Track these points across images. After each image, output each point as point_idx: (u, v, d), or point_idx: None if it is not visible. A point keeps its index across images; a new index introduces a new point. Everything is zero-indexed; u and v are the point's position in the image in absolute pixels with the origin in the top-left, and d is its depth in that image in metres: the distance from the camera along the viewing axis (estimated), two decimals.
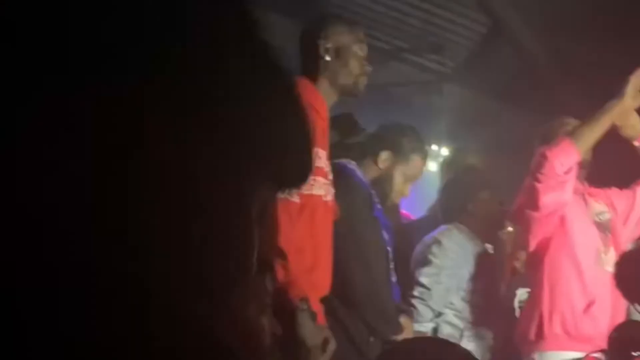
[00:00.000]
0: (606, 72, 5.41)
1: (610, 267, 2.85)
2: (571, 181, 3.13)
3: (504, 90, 5.76)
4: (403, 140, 3.21)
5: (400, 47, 6.09)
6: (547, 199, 3.10)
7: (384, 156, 3.17)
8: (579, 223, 3.24)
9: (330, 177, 2.81)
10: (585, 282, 3.17)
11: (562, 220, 3.22)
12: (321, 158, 2.76)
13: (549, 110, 5.68)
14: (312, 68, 2.76)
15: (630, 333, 2.36)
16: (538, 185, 3.08)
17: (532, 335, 3.15)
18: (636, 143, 3.32)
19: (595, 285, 3.16)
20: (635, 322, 2.43)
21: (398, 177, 3.18)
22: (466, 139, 5.57)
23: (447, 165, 4.15)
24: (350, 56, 2.76)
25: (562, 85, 5.52)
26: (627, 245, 3.40)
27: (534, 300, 3.30)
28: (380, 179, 3.17)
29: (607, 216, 3.36)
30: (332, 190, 2.79)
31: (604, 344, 2.98)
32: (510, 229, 4.29)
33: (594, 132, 3.08)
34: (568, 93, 5.38)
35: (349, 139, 3.55)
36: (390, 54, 6.05)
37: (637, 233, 3.45)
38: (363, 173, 3.17)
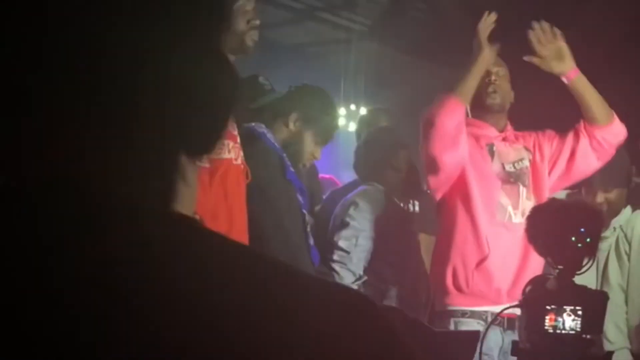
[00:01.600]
0: (523, 26, 5.42)
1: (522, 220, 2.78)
2: (463, 135, 3.08)
3: (420, 46, 5.70)
4: (313, 101, 3.15)
5: (314, 5, 5.96)
6: (446, 159, 3.06)
7: (294, 117, 3.11)
8: (479, 177, 3.15)
9: (239, 140, 2.71)
10: (481, 237, 3.08)
11: (462, 174, 3.14)
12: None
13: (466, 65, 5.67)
14: None
15: (544, 286, 2.32)
16: (434, 149, 3.04)
17: (435, 290, 3.14)
18: (565, 80, 3.21)
19: (495, 240, 3.08)
20: (549, 275, 2.38)
21: (308, 139, 3.13)
22: (384, 98, 5.50)
23: (364, 126, 4.06)
24: (236, 13, 2.64)
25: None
26: (547, 195, 3.28)
27: (434, 254, 3.28)
28: (290, 141, 3.12)
29: (525, 163, 3.23)
30: (241, 154, 2.71)
31: (500, 300, 2.95)
32: None
33: (470, 83, 3.13)
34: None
35: (258, 101, 3.46)
36: (305, 13, 5.93)
37: (562, 186, 3.33)
38: (273, 136, 3.09)
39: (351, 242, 3.26)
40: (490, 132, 3.25)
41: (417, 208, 3.61)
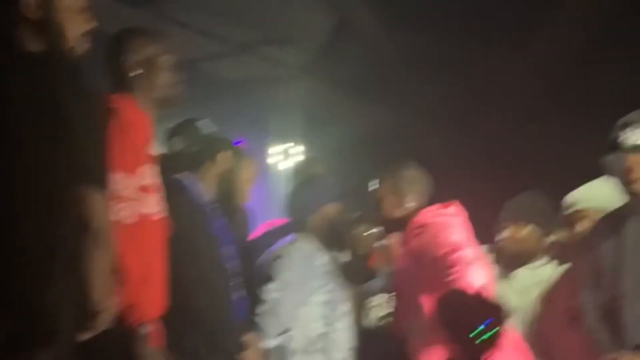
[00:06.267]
0: (456, 66, 5.52)
1: None
2: None
3: (357, 85, 5.73)
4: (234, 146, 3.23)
5: (250, 39, 5.94)
6: None
7: (221, 158, 3.16)
8: None
9: (161, 193, 2.70)
10: None
11: None
12: (151, 175, 2.66)
13: (399, 104, 5.73)
14: (124, 84, 2.69)
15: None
16: None
17: None
18: None
19: None
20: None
21: (237, 178, 3.12)
22: (321, 136, 5.52)
23: (296, 173, 4.06)
24: (159, 67, 2.71)
25: (413, 80, 5.54)
26: None
27: None
28: (222, 180, 3.14)
29: None
30: (164, 206, 2.70)
31: None
32: (372, 231, 4.20)
33: None
34: (419, 87, 5.41)
35: (192, 147, 3.46)
36: (240, 47, 5.91)
37: None
38: (200, 186, 3.08)
39: (279, 295, 3.24)
40: None
41: (345, 258, 3.62)
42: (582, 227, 3.38)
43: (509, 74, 5.32)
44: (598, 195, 3.41)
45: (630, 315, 2.83)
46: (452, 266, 2.75)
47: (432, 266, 2.86)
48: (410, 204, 3.16)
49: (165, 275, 2.70)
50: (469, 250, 2.84)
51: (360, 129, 5.56)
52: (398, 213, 3.17)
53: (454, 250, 2.81)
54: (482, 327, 2.24)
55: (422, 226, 3.04)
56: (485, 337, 2.24)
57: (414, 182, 3.20)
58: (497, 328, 2.30)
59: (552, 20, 5.32)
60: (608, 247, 2.97)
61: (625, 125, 2.95)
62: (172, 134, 3.58)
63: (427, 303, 2.88)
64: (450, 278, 2.70)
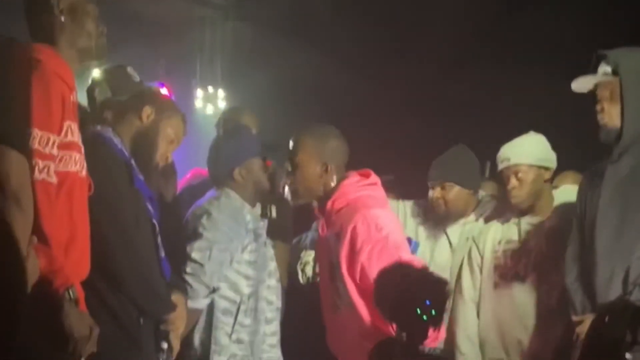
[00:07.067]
0: (381, 9, 5.41)
1: None
2: None
3: (282, 26, 5.54)
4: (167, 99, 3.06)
5: None
6: None
7: (148, 111, 2.95)
8: None
9: (83, 150, 2.54)
10: None
11: None
12: (74, 132, 2.50)
13: (324, 50, 5.59)
14: (46, 33, 2.51)
15: (390, 354, 2.27)
16: None
17: None
18: None
19: None
20: (396, 341, 2.32)
21: (162, 134, 2.95)
22: (247, 80, 5.34)
23: (220, 124, 3.91)
24: (85, 16, 2.56)
25: (338, 25, 5.40)
26: None
27: None
28: (143, 135, 2.94)
29: None
30: (85, 164, 2.55)
31: None
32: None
33: None
34: (344, 28, 5.27)
35: (121, 94, 3.28)
36: None
37: None
38: (121, 139, 2.91)
39: (205, 255, 3.12)
40: None
41: (274, 213, 3.52)
42: (514, 182, 3.37)
43: (436, 17, 5.23)
44: (531, 151, 3.39)
45: (600, 274, 2.81)
46: (383, 248, 2.68)
47: (358, 246, 2.75)
48: (333, 177, 2.92)
49: (88, 235, 2.57)
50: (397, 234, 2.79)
51: (286, 74, 5.41)
52: (320, 184, 2.93)
53: (385, 233, 2.74)
54: (428, 303, 2.16)
55: (347, 204, 2.87)
56: (432, 314, 2.17)
57: (337, 153, 2.94)
58: (443, 305, 2.23)
59: None
60: (588, 201, 2.94)
61: (600, 57, 2.91)
62: (95, 82, 3.38)
63: (349, 277, 2.79)
64: (386, 258, 2.62)
